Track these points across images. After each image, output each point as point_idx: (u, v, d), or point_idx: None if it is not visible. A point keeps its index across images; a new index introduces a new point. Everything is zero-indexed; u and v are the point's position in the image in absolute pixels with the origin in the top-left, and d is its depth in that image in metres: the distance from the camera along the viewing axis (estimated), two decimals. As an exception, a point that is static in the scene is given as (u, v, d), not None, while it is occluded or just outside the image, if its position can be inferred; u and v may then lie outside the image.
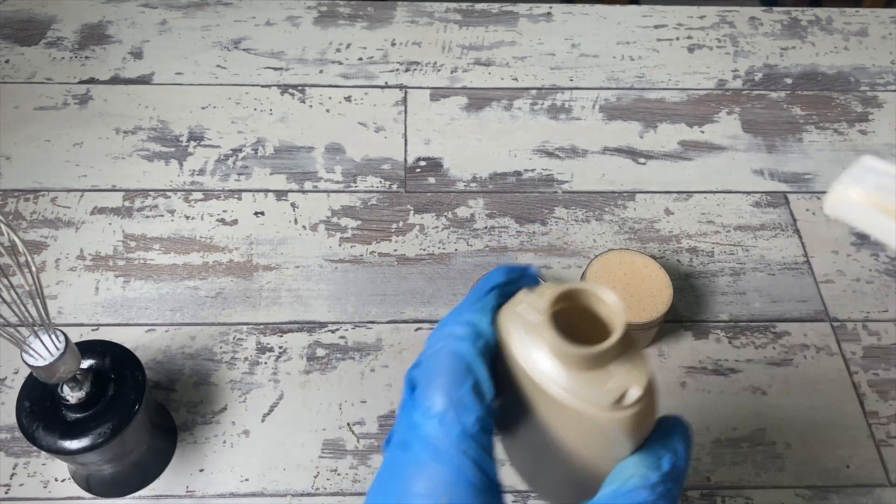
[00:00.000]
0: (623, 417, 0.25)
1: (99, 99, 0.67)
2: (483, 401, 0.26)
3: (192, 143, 0.65)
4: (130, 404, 0.43)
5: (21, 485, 0.48)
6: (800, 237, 0.62)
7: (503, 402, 0.29)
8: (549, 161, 0.66)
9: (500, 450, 0.29)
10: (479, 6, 0.77)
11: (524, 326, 0.26)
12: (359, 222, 0.61)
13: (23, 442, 0.49)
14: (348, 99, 0.69)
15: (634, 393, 0.25)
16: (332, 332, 0.55)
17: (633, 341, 0.26)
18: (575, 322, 0.26)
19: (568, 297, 0.26)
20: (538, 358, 0.25)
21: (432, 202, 0.63)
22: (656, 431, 0.28)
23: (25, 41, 0.71)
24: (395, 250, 0.60)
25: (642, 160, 0.66)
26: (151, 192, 0.62)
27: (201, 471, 0.49)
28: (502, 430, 0.30)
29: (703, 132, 0.68)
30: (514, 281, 0.29)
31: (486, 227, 0.61)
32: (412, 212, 0.62)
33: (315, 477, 0.49)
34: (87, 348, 0.44)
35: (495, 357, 0.27)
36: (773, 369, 0.55)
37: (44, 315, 0.38)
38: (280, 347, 0.54)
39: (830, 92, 0.72)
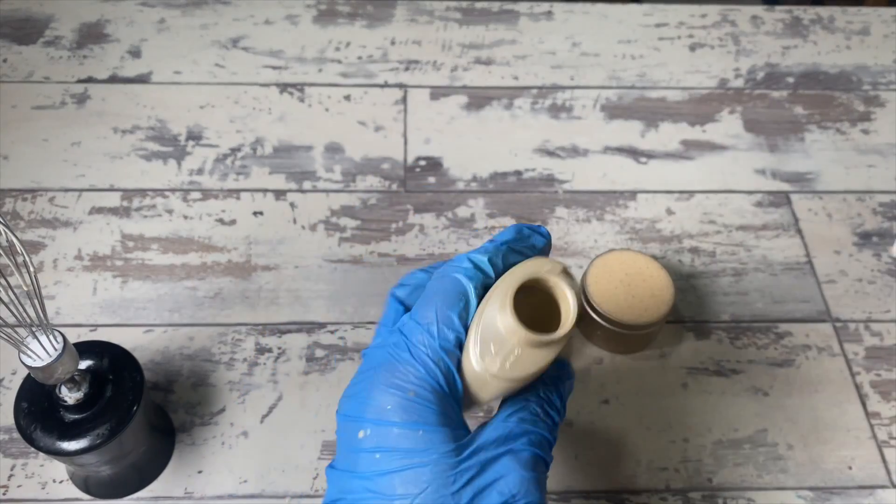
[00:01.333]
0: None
1: (97, 98, 0.67)
2: (465, 325, 0.32)
3: (191, 143, 0.65)
4: (128, 405, 0.43)
5: (19, 486, 0.48)
6: (802, 237, 0.61)
7: None
8: (550, 160, 0.65)
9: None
10: (479, 5, 0.76)
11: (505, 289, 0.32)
12: (358, 222, 0.61)
13: (21, 443, 0.49)
14: (347, 98, 0.68)
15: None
16: (332, 332, 0.55)
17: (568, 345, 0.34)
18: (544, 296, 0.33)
19: (535, 284, 0.32)
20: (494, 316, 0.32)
21: (432, 202, 0.62)
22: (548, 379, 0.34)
23: (23, 40, 0.71)
24: (395, 250, 0.59)
25: (643, 159, 0.66)
26: (149, 192, 0.61)
27: (200, 472, 0.49)
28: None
29: (704, 131, 0.68)
30: (526, 238, 0.35)
31: (486, 227, 0.61)
32: (412, 211, 0.62)
33: (314, 478, 0.49)
34: (85, 349, 0.44)
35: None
36: (775, 370, 0.55)
37: (42, 316, 0.37)
38: (279, 348, 0.54)
39: (832, 91, 0.72)
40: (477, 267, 0.33)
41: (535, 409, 0.33)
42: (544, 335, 0.31)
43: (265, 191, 0.62)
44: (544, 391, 0.33)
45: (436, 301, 0.32)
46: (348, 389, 0.33)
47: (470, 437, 0.32)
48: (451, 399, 0.31)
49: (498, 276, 0.33)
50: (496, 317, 0.31)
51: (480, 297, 0.33)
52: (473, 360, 0.31)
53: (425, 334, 0.31)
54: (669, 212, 0.62)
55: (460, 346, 0.32)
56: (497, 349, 0.31)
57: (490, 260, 0.33)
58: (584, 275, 0.53)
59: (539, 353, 0.31)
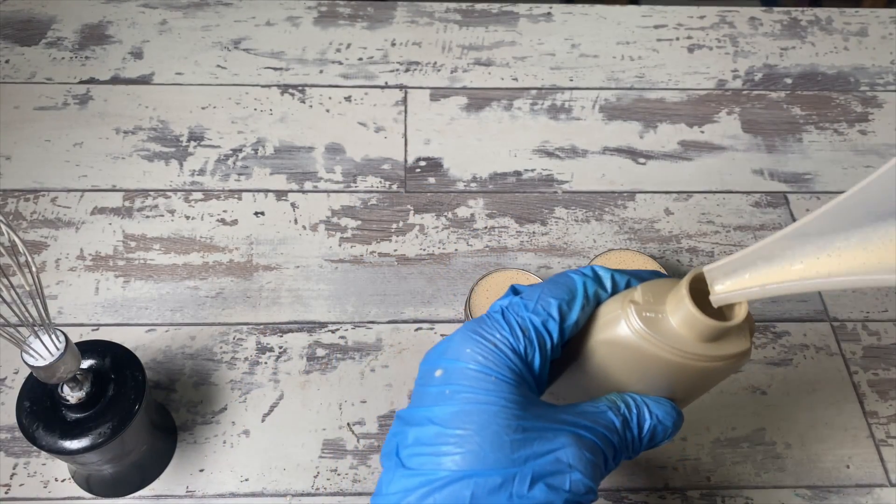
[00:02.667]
0: (721, 367, 0.32)
1: (99, 99, 0.67)
2: (563, 315, 0.33)
3: (193, 143, 0.65)
4: (130, 404, 0.43)
5: (21, 485, 0.48)
6: (800, 237, 0.62)
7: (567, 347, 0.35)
8: (549, 161, 0.66)
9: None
10: (479, 6, 0.77)
11: (642, 302, 0.32)
12: (359, 222, 0.61)
13: (23, 442, 0.49)
14: (348, 99, 0.69)
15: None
16: (332, 332, 0.55)
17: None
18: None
19: (698, 280, 0.31)
20: (660, 326, 0.31)
21: (432, 202, 0.63)
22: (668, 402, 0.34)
23: (25, 41, 0.71)
24: (395, 250, 0.60)
25: (642, 160, 0.66)
26: (151, 192, 0.62)
27: (201, 471, 0.49)
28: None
29: (702, 132, 0.68)
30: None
31: (486, 227, 0.61)
32: (412, 212, 0.62)
33: (315, 477, 0.49)
34: (87, 348, 0.44)
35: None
36: (773, 369, 0.55)
37: (44, 315, 0.38)
38: (280, 347, 0.54)
39: (830, 92, 0.72)
40: (596, 275, 0.34)
41: (613, 420, 0.32)
42: (717, 322, 0.30)
43: (266, 191, 0.62)
44: (637, 417, 0.33)
45: (544, 287, 0.33)
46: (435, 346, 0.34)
47: (541, 405, 0.32)
48: (529, 368, 0.32)
49: (615, 292, 0.34)
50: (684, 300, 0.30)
51: (592, 305, 0.33)
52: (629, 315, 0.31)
53: (521, 306, 0.33)
54: (668, 212, 0.63)
55: (560, 332, 0.33)
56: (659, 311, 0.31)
57: (613, 276, 0.34)
58: (583, 275, 0.53)
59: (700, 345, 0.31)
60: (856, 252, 0.26)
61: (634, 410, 0.33)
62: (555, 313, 0.32)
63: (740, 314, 0.30)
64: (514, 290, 0.35)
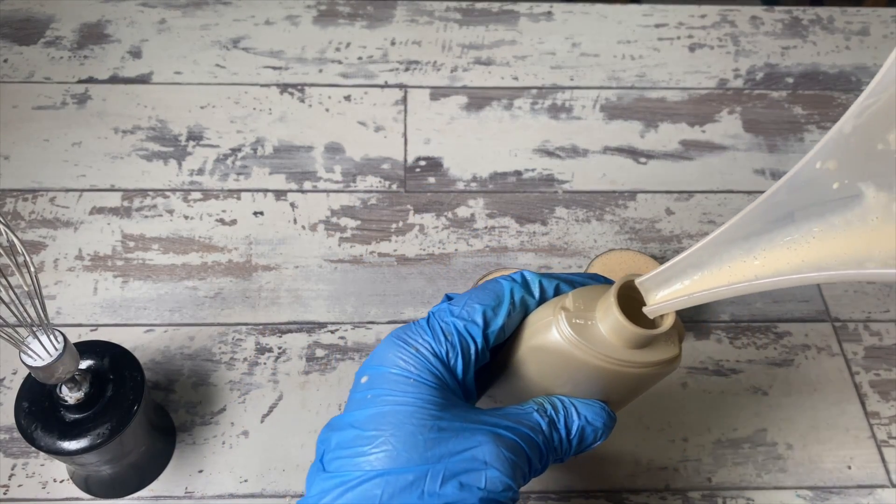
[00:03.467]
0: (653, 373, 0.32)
1: (98, 98, 0.67)
2: (488, 321, 0.33)
3: (191, 143, 0.65)
4: (129, 405, 0.43)
5: (20, 485, 0.48)
6: (801, 237, 0.61)
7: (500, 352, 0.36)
8: (550, 161, 0.65)
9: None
10: (479, 5, 0.76)
11: (573, 310, 0.32)
12: (358, 222, 0.61)
13: (21, 442, 0.49)
14: (348, 98, 0.68)
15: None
16: (332, 332, 0.55)
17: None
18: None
19: (629, 287, 0.31)
20: (590, 334, 0.31)
21: (432, 202, 0.62)
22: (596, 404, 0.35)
23: (24, 40, 0.71)
24: (395, 250, 0.59)
25: (643, 160, 0.66)
26: (150, 192, 0.62)
27: (200, 472, 0.49)
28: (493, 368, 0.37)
29: (704, 132, 0.68)
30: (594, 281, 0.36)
31: (486, 227, 0.61)
32: (412, 212, 0.62)
33: (315, 478, 0.49)
34: (85, 349, 0.44)
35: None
36: (775, 370, 0.55)
37: (42, 315, 0.37)
38: (279, 348, 0.54)
39: (832, 91, 0.72)
40: (524, 280, 0.34)
41: (538, 420, 0.33)
42: (643, 329, 0.30)
43: (265, 191, 0.62)
44: (564, 418, 0.33)
45: (472, 293, 0.34)
46: None
47: (464, 407, 0.32)
48: (451, 372, 0.32)
49: (544, 300, 0.34)
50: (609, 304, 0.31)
51: (520, 311, 0.34)
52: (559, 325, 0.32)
53: (447, 311, 0.33)
54: (669, 212, 0.63)
55: (484, 337, 0.33)
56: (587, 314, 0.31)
57: (541, 282, 0.34)
58: (584, 275, 0.53)
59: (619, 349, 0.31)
60: (781, 252, 0.27)
61: (562, 411, 0.33)
62: (478, 319, 0.33)
63: (668, 322, 0.31)
64: (447, 297, 0.36)
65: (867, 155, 0.24)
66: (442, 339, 0.33)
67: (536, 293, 0.34)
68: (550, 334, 0.32)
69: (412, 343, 0.33)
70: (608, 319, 0.31)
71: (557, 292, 0.35)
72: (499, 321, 0.33)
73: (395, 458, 0.29)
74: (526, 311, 0.34)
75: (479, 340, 0.33)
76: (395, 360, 0.32)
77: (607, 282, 0.36)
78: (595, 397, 0.34)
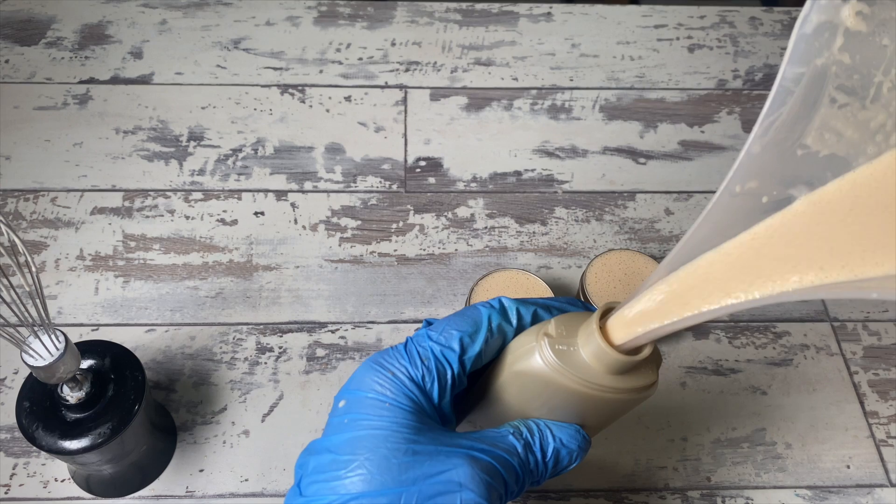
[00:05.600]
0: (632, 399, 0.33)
1: (99, 99, 0.67)
2: (465, 346, 0.33)
3: (192, 143, 0.65)
4: (130, 404, 0.43)
5: (21, 485, 0.48)
6: (800, 237, 0.61)
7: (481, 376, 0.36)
8: (549, 161, 0.66)
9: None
10: (479, 6, 0.77)
11: (554, 336, 0.32)
12: (359, 222, 0.61)
13: (23, 442, 0.49)
14: (348, 99, 0.69)
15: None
16: (332, 332, 0.55)
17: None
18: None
19: (608, 314, 0.31)
20: (571, 360, 0.32)
21: (432, 202, 0.63)
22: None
23: (25, 41, 0.71)
24: (395, 250, 0.60)
25: (642, 160, 0.66)
26: (151, 192, 0.62)
27: (201, 471, 0.49)
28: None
29: (703, 132, 0.68)
30: (575, 307, 0.37)
31: (486, 227, 0.61)
32: (412, 212, 0.62)
33: (315, 477, 0.49)
34: (86, 348, 0.44)
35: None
36: (774, 369, 0.55)
37: (43, 315, 0.37)
38: (280, 347, 0.54)
39: (830, 92, 0.72)
40: (502, 307, 0.35)
41: (514, 443, 0.33)
42: (627, 356, 0.31)
43: (266, 191, 0.62)
44: (539, 440, 0.34)
45: (451, 319, 0.34)
46: None
47: (440, 431, 0.32)
48: (428, 396, 0.33)
49: (522, 327, 0.35)
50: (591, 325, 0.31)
51: (497, 338, 0.34)
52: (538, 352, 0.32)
53: (424, 336, 0.34)
54: (668, 212, 0.63)
55: (460, 363, 0.33)
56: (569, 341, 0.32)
57: (518, 309, 0.35)
58: (584, 274, 0.53)
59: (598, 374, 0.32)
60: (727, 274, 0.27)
61: (537, 434, 0.34)
62: (455, 345, 0.33)
63: (647, 349, 0.31)
64: (427, 322, 0.36)
65: (789, 163, 0.24)
66: (419, 363, 0.33)
67: (514, 320, 0.35)
68: (533, 359, 0.32)
69: (388, 367, 0.33)
70: (590, 346, 0.31)
71: (535, 319, 0.35)
72: (476, 347, 0.34)
73: (370, 482, 0.30)
74: (504, 338, 0.35)
75: (456, 366, 0.33)
76: (372, 385, 0.32)
77: (587, 308, 0.36)
78: (573, 421, 0.35)
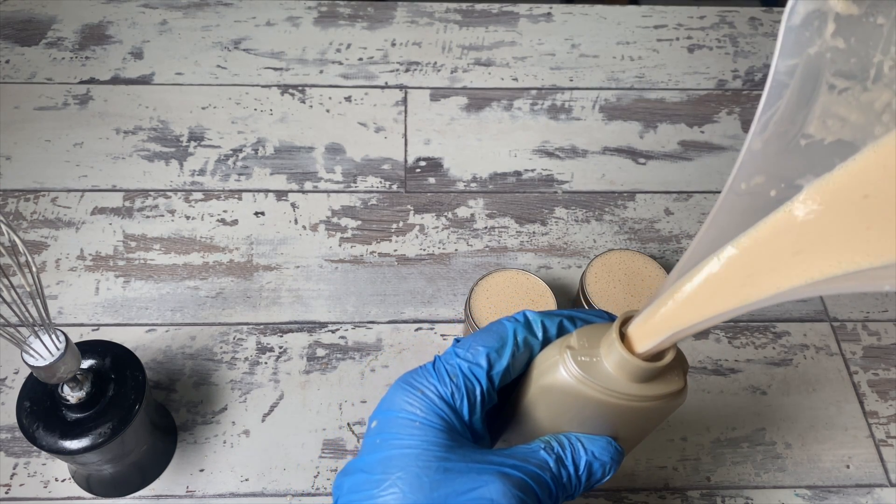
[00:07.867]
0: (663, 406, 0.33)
1: (99, 99, 0.67)
2: (492, 362, 0.34)
3: (193, 144, 0.65)
4: (131, 404, 0.43)
5: (21, 485, 0.48)
6: (800, 237, 0.62)
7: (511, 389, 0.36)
8: (549, 161, 0.66)
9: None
10: (479, 6, 0.77)
11: (577, 346, 0.33)
12: (359, 222, 0.61)
13: (23, 442, 0.49)
14: (348, 99, 0.69)
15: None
16: (333, 332, 0.55)
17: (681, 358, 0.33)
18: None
19: (629, 322, 0.32)
20: (596, 370, 0.32)
21: (432, 202, 0.63)
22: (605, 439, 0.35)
23: (26, 41, 0.71)
24: (395, 250, 0.60)
25: (642, 160, 0.66)
26: (152, 193, 0.62)
27: (201, 471, 0.49)
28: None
29: (703, 132, 0.68)
30: (599, 318, 0.36)
31: (486, 227, 0.61)
32: (412, 212, 0.62)
33: (315, 477, 0.49)
34: (87, 348, 0.44)
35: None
36: (773, 369, 0.55)
37: (44, 315, 0.38)
38: (280, 347, 0.54)
39: (830, 92, 0.72)
40: (527, 320, 0.35)
41: (545, 458, 0.33)
42: (647, 362, 0.31)
43: (266, 191, 0.62)
44: (571, 454, 0.34)
45: (477, 335, 0.35)
46: None
47: (471, 448, 0.33)
48: (458, 413, 0.33)
49: (547, 339, 0.35)
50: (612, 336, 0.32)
51: (524, 351, 0.34)
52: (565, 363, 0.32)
53: (451, 354, 0.34)
54: (668, 212, 0.63)
55: (489, 378, 0.34)
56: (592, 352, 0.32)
57: (543, 322, 0.35)
58: (584, 274, 0.53)
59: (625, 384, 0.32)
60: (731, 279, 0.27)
61: (568, 448, 0.34)
62: (482, 361, 0.34)
63: (669, 355, 0.31)
64: (456, 340, 0.36)
65: (794, 155, 0.24)
66: (447, 381, 0.33)
67: (539, 333, 0.35)
68: (558, 373, 0.32)
69: (418, 386, 0.33)
70: (612, 355, 0.31)
71: (560, 331, 0.35)
72: (503, 362, 0.34)
73: (403, 500, 0.30)
74: (531, 351, 0.35)
75: (484, 382, 0.33)
76: (402, 404, 0.33)
77: (612, 318, 0.36)
78: (604, 434, 0.35)
